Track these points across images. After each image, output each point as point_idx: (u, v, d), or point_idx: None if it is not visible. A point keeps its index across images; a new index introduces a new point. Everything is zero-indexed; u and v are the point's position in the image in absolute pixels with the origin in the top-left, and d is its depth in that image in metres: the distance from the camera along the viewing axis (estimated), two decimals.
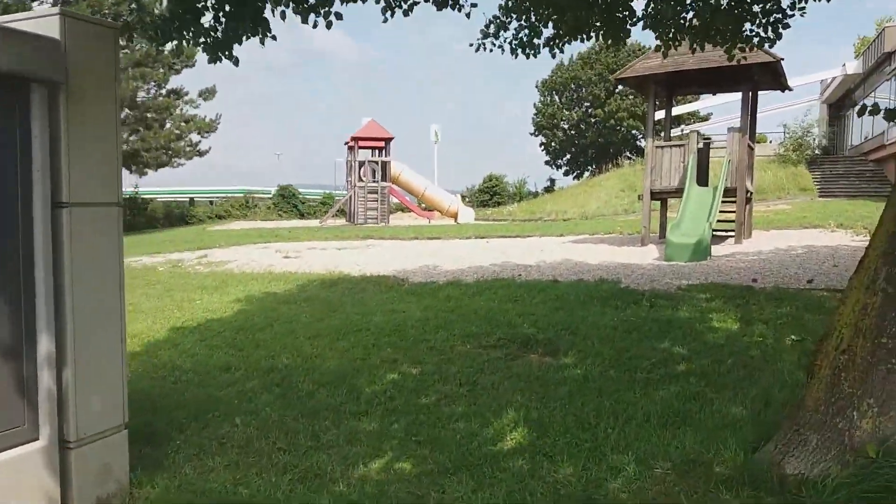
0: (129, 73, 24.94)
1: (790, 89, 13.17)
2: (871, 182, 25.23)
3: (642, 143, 45.24)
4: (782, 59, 10.85)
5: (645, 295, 6.80)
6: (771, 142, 32.70)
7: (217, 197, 43.41)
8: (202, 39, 3.97)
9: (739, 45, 5.40)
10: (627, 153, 45.63)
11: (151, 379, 5.22)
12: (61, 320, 2.81)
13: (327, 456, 3.58)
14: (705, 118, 43.39)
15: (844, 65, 30.43)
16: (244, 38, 3.94)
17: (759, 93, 29.88)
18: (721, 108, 39.91)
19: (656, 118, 14.17)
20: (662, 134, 14.49)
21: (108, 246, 3.11)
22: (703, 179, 12.51)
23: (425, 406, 4.20)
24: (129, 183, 34.63)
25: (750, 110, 12.07)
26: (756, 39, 5.24)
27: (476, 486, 3.08)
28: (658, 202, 13.73)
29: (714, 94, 14.29)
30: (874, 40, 28.29)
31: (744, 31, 5.26)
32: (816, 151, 28.73)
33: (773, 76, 12.10)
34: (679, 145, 12.54)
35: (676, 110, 16.43)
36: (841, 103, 34.70)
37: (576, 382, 4.43)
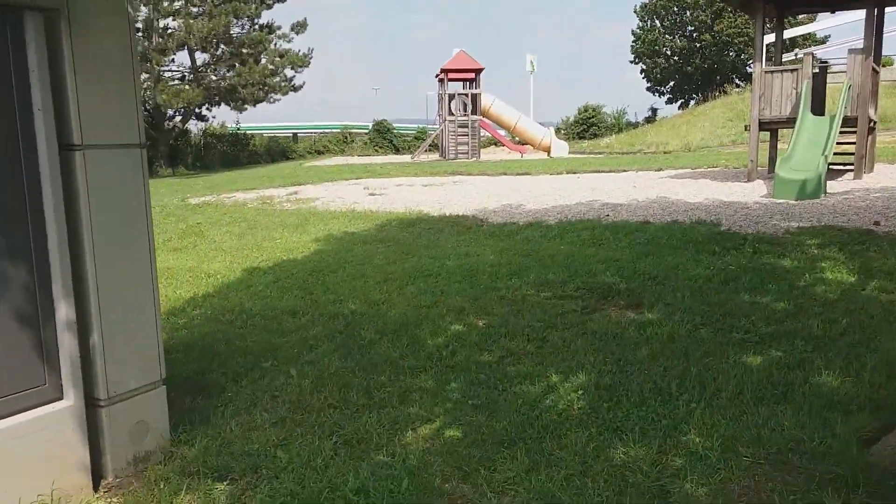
0: (221, 8, 25.16)
1: None
2: None
3: (751, 69, 41.82)
4: None
5: (747, 239, 6.10)
6: None
7: (317, 132, 44.22)
8: None
9: None
10: (736, 80, 42.42)
11: (218, 322, 5.15)
12: (81, 272, 2.62)
13: (377, 417, 3.33)
14: (822, 41, 39.41)
15: None
16: None
17: (886, 10, 26.86)
18: (840, 30, 36.05)
19: (766, 41, 12.75)
20: (773, 59, 13.04)
21: (133, 192, 2.89)
22: (818, 108, 11.21)
23: (487, 364, 3.86)
24: (231, 119, 35.83)
25: (875, 29, 10.55)
26: None
27: (531, 464, 2.73)
28: (767, 133, 12.50)
29: (833, 11, 12.58)
30: None
31: None
32: None
33: None
34: (791, 70, 11.21)
35: (789, 32, 14.64)
36: None
37: (659, 343, 3.95)
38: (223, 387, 3.93)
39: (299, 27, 29.21)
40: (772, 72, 11.25)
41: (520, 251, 6.50)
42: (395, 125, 44.55)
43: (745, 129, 12.00)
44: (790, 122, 10.94)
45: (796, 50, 33.04)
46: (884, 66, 17.71)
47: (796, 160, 9.69)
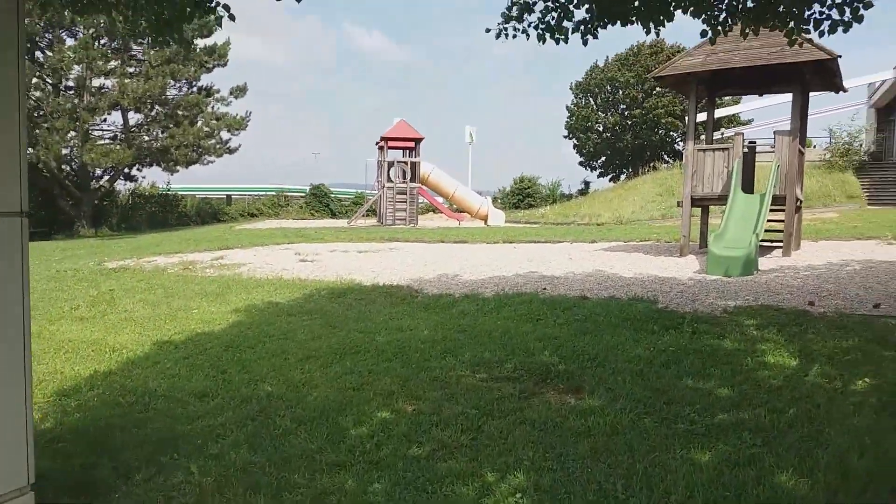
0: (158, 69, 24.71)
1: (845, 90, 12.08)
2: None
3: (680, 146, 43.92)
4: (839, 57, 9.85)
5: (685, 318, 5.96)
6: (815, 146, 31.16)
7: (251, 194, 43.47)
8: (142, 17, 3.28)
9: (804, 29, 4.53)
10: (665, 156, 44.32)
11: (116, 406, 4.58)
12: None
13: None
14: (747, 122, 41.83)
15: (895, 67, 28.83)
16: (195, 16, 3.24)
17: (810, 94, 28.39)
18: (763, 112, 38.22)
19: (697, 120, 13.21)
20: (703, 137, 13.51)
21: (6, 269, 2.46)
22: (748, 186, 11.54)
23: (416, 459, 3.47)
24: (162, 179, 34.79)
25: (801, 113, 11.04)
26: (827, 24, 4.37)
27: None
28: (699, 209, 12.80)
29: (760, 94, 13.22)
30: None
31: (811, 13, 4.40)
32: (864, 158, 27.25)
33: (827, 76, 11.09)
34: (722, 149, 11.57)
35: (716, 113, 15.39)
36: (891, 107, 32.97)
37: (602, 435, 3.65)
38: (112, 485, 3.41)
39: (238, 91, 28.97)
40: (704, 150, 11.57)
41: (455, 326, 6.18)
42: (333, 189, 44.32)
43: (678, 205, 12.23)
44: (721, 199, 11.20)
45: (722, 129, 34.85)
46: (808, 147, 18.64)
47: (729, 237, 9.84)
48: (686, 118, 35.48)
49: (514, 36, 5.09)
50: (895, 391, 4.13)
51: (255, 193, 43.02)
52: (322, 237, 18.34)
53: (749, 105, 36.14)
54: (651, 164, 39.01)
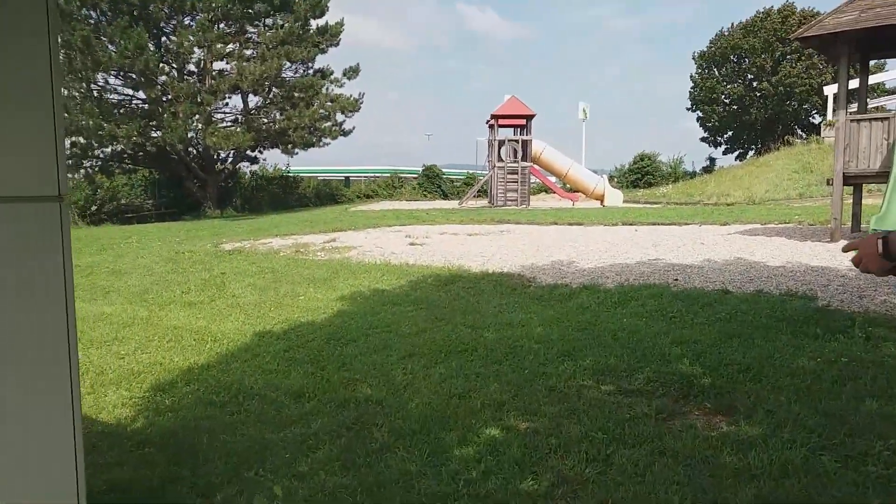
0: (273, 52, 25.20)
1: None
2: None
3: (817, 119, 40.10)
4: None
5: (855, 321, 4.96)
6: None
7: (367, 176, 44.26)
8: None
9: None
10: (799, 130, 40.73)
11: (209, 405, 4.29)
12: None
13: None
14: (894, 91, 37.52)
15: None
16: None
17: None
18: None
19: (848, 87, 11.58)
20: (852, 107, 11.86)
21: (47, 257, 2.07)
22: None
23: (531, 496, 2.87)
24: (283, 162, 35.90)
25: None
26: None
27: None
28: (850, 188, 11.26)
29: None
30: None
31: None
32: None
33: None
34: (882, 118, 10.01)
35: (854, 82, 13.32)
36: None
37: (768, 477, 2.88)
38: None
39: (352, 72, 29.15)
40: (859, 120, 10.07)
41: (573, 323, 5.50)
42: (444, 170, 44.23)
43: (828, 184, 10.80)
44: (880, 176, 9.72)
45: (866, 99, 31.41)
46: None
47: (892, 219, 8.43)
48: (825, 88, 32.30)
49: None
50: None
51: (372, 175, 43.73)
52: (433, 219, 18.01)
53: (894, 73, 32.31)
54: (784, 139, 35.93)
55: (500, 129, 26.38)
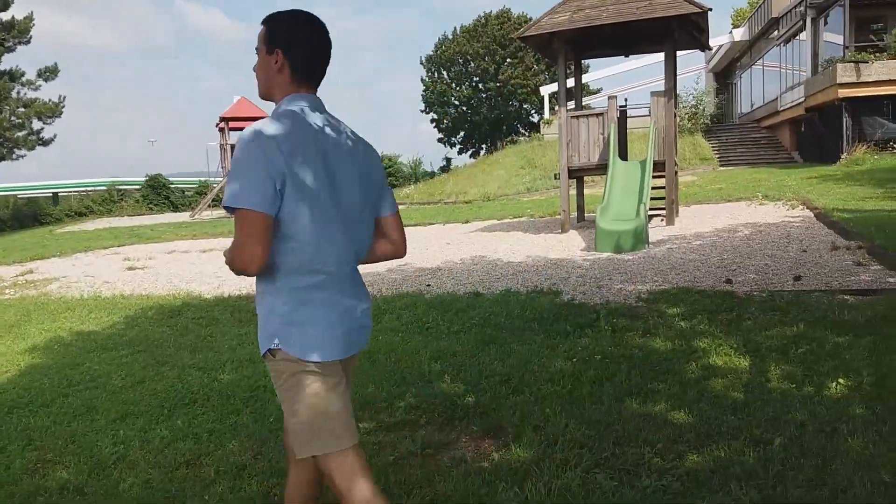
0: None
1: (710, 48, 11.87)
2: (768, 149, 25.18)
3: (535, 118, 44.40)
4: (710, 10, 9.41)
5: (599, 313, 5.03)
6: None
7: (82, 190, 39.08)
8: None
9: None
10: (521, 128, 44.70)
11: None
12: None
13: None
14: (596, 91, 42.89)
15: (731, 31, 30.42)
16: None
17: (650, 61, 28.73)
18: (609, 81, 39.10)
19: (566, 85, 12.54)
20: (569, 104, 12.90)
21: None
22: (622, 153, 11.03)
23: None
24: None
25: (674, 72, 10.59)
26: None
27: None
28: (573, 181, 12.20)
29: (627, 56, 12.78)
30: (759, 6, 28.27)
31: None
32: (707, 121, 28.55)
33: (696, 32, 10.72)
34: (597, 114, 10.92)
35: (570, 82, 14.68)
36: (727, 71, 34.96)
37: None
38: None
39: (49, 73, 25.30)
40: (578, 117, 10.87)
41: None
42: (175, 179, 40.74)
43: (555, 178, 11.53)
44: (599, 168, 10.59)
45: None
46: None
47: (615, 210, 9.19)
48: (541, 89, 35.72)
49: None
50: (879, 393, 3.37)
51: (85, 189, 38.71)
52: (159, 235, 16.12)
53: (596, 74, 36.93)
54: (510, 138, 39.06)
55: (231, 133, 24.74)
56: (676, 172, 10.46)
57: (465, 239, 10.84)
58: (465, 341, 4.70)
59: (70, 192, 40.09)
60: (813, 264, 6.36)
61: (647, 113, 13.73)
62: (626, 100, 12.52)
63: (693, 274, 6.27)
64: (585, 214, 12.56)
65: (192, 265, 10.10)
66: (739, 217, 10.40)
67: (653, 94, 10.38)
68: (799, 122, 23.44)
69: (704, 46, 11.46)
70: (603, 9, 10.10)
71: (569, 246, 9.09)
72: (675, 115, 10.32)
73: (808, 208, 10.50)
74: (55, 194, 41.14)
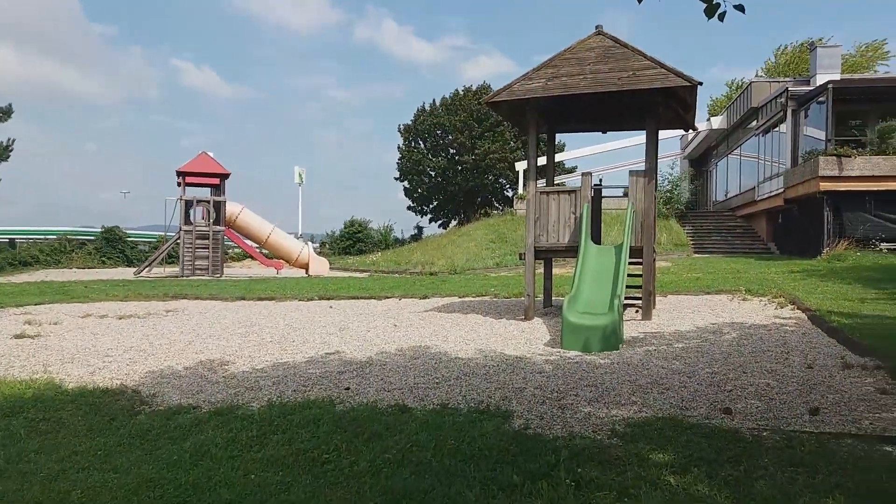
0: None
1: (695, 129, 11.03)
2: (744, 238, 24.54)
3: (510, 193, 43.79)
4: (700, 84, 8.50)
5: (560, 456, 3.69)
6: None
7: (38, 238, 37.22)
8: None
9: None
10: (495, 202, 44.09)
11: None
12: None
13: None
14: (571, 170, 42.60)
15: (710, 119, 30.35)
16: None
17: (627, 143, 28.30)
18: (585, 161, 38.75)
19: (537, 159, 11.55)
20: (540, 182, 11.87)
21: None
22: (595, 236, 9.92)
23: None
24: None
25: (655, 152, 9.60)
26: None
27: None
28: (541, 262, 11.04)
29: (605, 132, 11.83)
30: (739, 95, 28.24)
31: None
32: (682, 207, 28.07)
33: (682, 109, 9.83)
34: (568, 191, 9.84)
35: (542, 159, 13.46)
36: (703, 158, 34.86)
37: None
38: None
39: (1, 114, 23.98)
40: (548, 193, 9.77)
41: (172, 489, 3.45)
42: (136, 232, 39.22)
43: (520, 258, 10.35)
44: (569, 250, 9.44)
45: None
46: None
47: (584, 300, 7.97)
48: (517, 164, 35.22)
49: None
50: None
51: (40, 237, 36.85)
52: (88, 294, 14.53)
53: (572, 153, 36.65)
54: (483, 210, 38.29)
55: (188, 189, 23.44)
56: (654, 260, 9.32)
57: (416, 320, 9.51)
58: (362, 496, 3.30)
59: (27, 239, 38.20)
60: (825, 388, 5.14)
61: (623, 194, 12.77)
62: (601, 179, 11.49)
63: (679, 393, 4.99)
64: (553, 298, 11.35)
65: (94, 336, 8.59)
66: (722, 314, 9.24)
67: (632, 173, 9.36)
68: (776, 213, 22.88)
69: (689, 126, 10.55)
70: (581, 77, 9.16)
71: (531, 338, 7.80)
72: (654, 198, 9.25)
73: (798, 308, 9.41)
74: (12, 240, 39.23)
